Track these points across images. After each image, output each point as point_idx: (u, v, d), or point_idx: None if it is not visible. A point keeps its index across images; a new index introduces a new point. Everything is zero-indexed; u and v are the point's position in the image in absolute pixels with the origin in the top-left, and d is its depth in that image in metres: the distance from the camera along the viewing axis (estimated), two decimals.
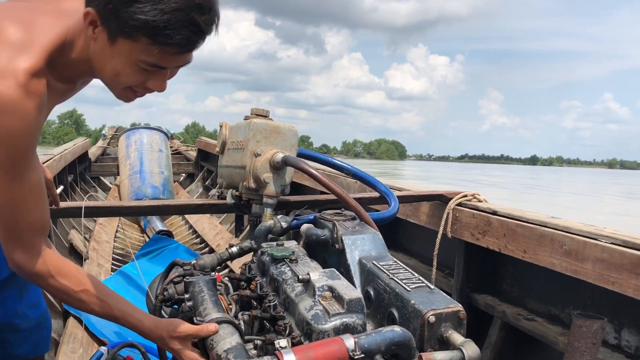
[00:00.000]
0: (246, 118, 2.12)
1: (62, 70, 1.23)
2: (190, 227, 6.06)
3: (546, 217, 2.09)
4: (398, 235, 3.19)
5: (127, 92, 1.24)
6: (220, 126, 2.25)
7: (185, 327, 1.28)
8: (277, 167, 1.92)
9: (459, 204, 2.48)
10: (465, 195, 2.51)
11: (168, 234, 5.31)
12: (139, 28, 1.09)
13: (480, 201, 2.48)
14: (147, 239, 5.13)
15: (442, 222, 2.48)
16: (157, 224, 5.53)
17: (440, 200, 2.58)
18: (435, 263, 2.53)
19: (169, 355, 1.68)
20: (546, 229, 1.99)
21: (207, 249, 5.36)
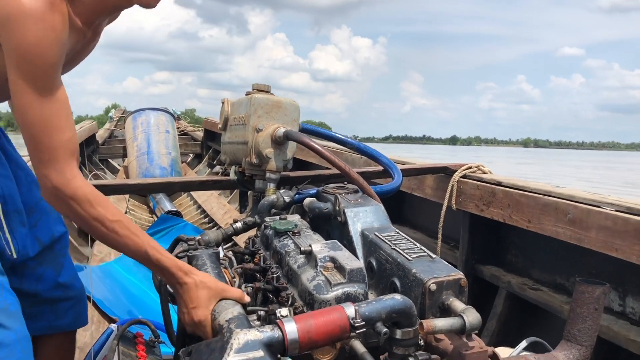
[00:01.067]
0: (247, 93, 2.11)
1: (78, 6, 1.26)
2: (199, 206, 6.09)
3: (550, 187, 2.08)
4: (403, 209, 3.19)
5: None
6: (222, 102, 2.24)
7: (233, 293, 1.27)
8: (279, 142, 1.92)
9: (464, 176, 2.47)
10: (470, 167, 2.51)
11: (177, 214, 5.34)
12: None
13: (484, 172, 2.48)
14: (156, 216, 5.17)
15: (447, 195, 2.48)
16: (166, 204, 5.57)
17: (444, 172, 2.58)
18: (440, 235, 2.53)
19: (175, 330, 1.71)
20: (550, 198, 1.99)
21: (215, 228, 5.40)
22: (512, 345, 1.92)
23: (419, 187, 2.75)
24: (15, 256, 1.44)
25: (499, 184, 2.27)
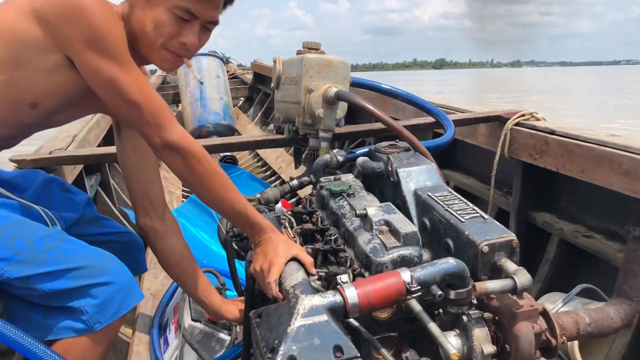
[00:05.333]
0: (299, 52, 2.14)
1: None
2: (253, 149, 6.22)
3: (605, 136, 2.05)
4: (455, 155, 3.20)
5: (166, 55, 1.38)
6: (274, 61, 2.28)
7: (306, 258, 1.37)
8: (331, 102, 1.96)
9: (517, 124, 2.45)
10: (523, 115, 2.48)
11: (232, 159, 5.49)
12: None
13: (538, 120, 2.45)
14: None
15: (500, 143, 2.48)
16: None
17: (497, 120, 2.56)
18: (492, 183, 2.55)
19: (242, 279, 1.83)
20: (605, 148, 1.97)
21: (269, 172, 5.55)
22: (565, 290, 1.96)
23: (472, 134, 2.75)
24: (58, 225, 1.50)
25: (552, 132, 2.25)
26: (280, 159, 5.52)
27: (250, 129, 6.87)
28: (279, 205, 1.90)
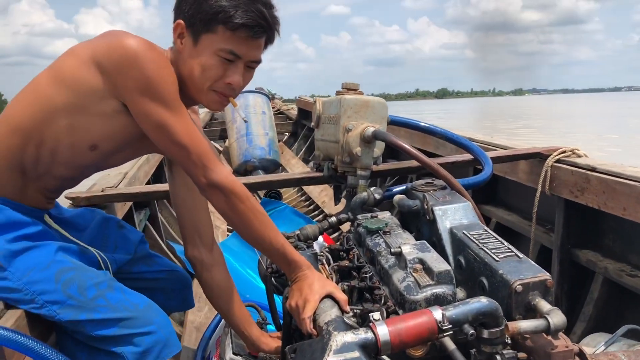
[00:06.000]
0: (338, 93, 2.21)
1: None
2: (293, 187, 6.30)
3: None
4: (497, 191, 3.19)
5: (213, 97, 1.46)
6: (315, 101, 2.36)
7: (340, 295, 1.41)
8: (368, 141, 2.01)
9: (557, 161, 2.44)
10: (564, 151, 2.47)
11: (277, 194, 5.57)
12: (216, 15, 1.34)
13: (579, 156, 2.43)
14: (258, 199, 5.42)
15: (540, 180, 2.46)
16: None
17: (538, 157, 2.55)
18: (534, 219, 2.53)
19: (280, 312, 1.87)
20: None
21: (312, 205, 5.61)
22: (611, 331, 1.91)
23: (512, 170, 2.74)
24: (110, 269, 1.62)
25: (593, 169, 2.23)
26: (323, 193, 5.58)
27: (294, 164, 6.97)
28: (320, 239, 1.95)
